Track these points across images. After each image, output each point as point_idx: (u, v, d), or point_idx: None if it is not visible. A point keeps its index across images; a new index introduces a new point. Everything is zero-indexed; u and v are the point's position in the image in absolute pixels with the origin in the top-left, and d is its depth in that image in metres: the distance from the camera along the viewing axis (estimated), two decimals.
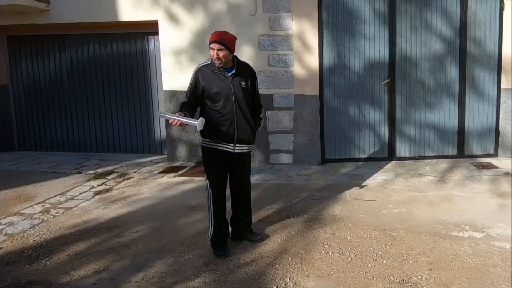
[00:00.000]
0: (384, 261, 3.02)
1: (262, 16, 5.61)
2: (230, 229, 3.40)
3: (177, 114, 2.99)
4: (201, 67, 3.15)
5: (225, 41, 3.03)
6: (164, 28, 5.89)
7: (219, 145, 3.15)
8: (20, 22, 6.28)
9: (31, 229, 3.76)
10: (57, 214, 4.12)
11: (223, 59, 3.04)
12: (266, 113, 5.71)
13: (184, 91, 3.20)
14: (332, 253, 3.16)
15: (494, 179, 4.76)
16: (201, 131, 3.11)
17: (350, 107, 5.66)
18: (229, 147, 3.16)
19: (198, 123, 2.92)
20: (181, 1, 5.79)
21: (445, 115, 5.64)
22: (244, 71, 3.19)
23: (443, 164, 5.44)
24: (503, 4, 5.41)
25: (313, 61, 5.56)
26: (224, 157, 3.19)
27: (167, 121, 6.03)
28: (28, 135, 6.95)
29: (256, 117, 3.31)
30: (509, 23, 5.39)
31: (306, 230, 3.58)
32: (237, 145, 3.17)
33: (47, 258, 3.21)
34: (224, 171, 3.24)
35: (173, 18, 5.85)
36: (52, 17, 6.15)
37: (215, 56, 3.04)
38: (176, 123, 2.92)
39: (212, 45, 3.03)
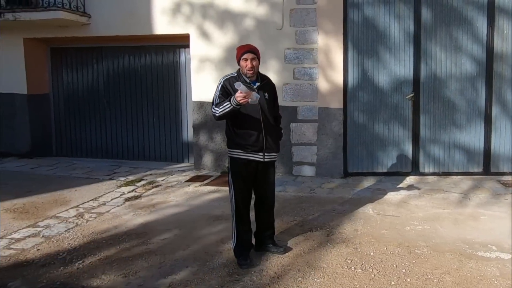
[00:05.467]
0: (408, 279, 3.00)
1: (288, 30, 5.73)
2: (253, 240, 3.48)
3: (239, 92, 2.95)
4: (228, 77, 3.27)
5: (255, 50, 3.22)
6: (196, 41, 6.11)
7: (249, 155, 3.25)
8: (63, 35, 6.68)
9: (66, 233, 3.98)
10: (90, 219, 4.34)
11: (255, 68, 3.20)
12: (290, 125, 5.80)
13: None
14: (355, 268, 3.17)
15: None
16: (231, 141, 3.24)
17: (374, 121, 5.67)
18: (258, 156, 3.26)
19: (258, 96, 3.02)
20: (212, 17, 6.00)
21: (471, 131, 5.56)
22: (266, 83, 3.35)
23: (468, 181, 5.35)
24: None
25: (337, 74, 5.62)
26: (253, 167, 3.28)
27: (195, 128, 6.24)
28: (65, 141, 7.31)
29: (277, 126, 3.44)
30: None
31: (328, 244, 3.61)
32: (266, 154, 3.27)
33: (80, 262, 3.38)
34: (251, 182, 3.32)
35: (204, 33, 6.06)
36: (92, 30, 6.53)
37: (249, 65, 3.16)
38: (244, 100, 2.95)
39: (246, 55, 3.17)
